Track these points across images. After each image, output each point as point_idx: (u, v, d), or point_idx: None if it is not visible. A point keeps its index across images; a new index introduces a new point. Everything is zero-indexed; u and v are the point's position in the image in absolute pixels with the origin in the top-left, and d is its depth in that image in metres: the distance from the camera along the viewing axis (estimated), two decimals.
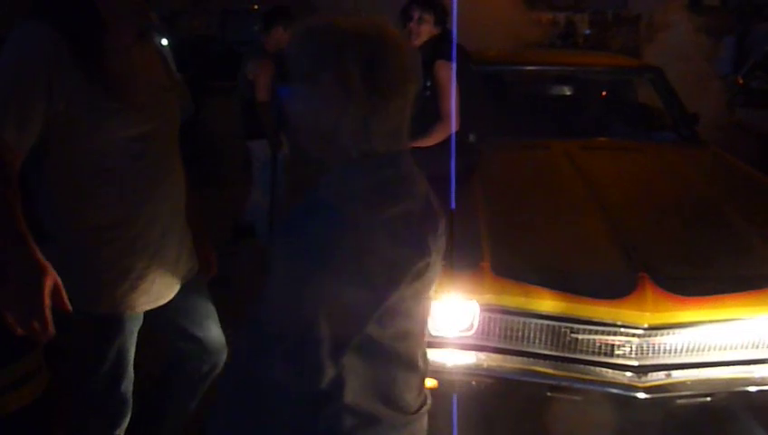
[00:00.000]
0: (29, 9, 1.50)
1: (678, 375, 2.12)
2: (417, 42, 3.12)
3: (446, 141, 3.00)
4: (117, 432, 1.75)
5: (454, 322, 2.23)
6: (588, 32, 15.79)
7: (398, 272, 1.01)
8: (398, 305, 1.04)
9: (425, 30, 3.11)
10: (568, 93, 4.20)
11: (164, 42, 5.32)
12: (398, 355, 1.09)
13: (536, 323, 2.17)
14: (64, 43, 1.46)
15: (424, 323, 1.15)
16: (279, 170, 4.31)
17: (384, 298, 1.01)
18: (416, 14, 3.10)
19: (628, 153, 3.41)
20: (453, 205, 2.07)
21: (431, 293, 1.14)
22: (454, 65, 2.80)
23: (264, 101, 4.12)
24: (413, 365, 1.13)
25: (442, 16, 3.17)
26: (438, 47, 3.08)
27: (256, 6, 12.26)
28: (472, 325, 2.21)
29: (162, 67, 1.75)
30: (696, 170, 3.23)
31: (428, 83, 3.16)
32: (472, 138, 3.07)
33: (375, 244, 0.98)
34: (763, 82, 7.26)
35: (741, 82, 7.61)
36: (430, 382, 2.20)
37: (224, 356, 1.94)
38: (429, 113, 3.19)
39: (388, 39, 1.03)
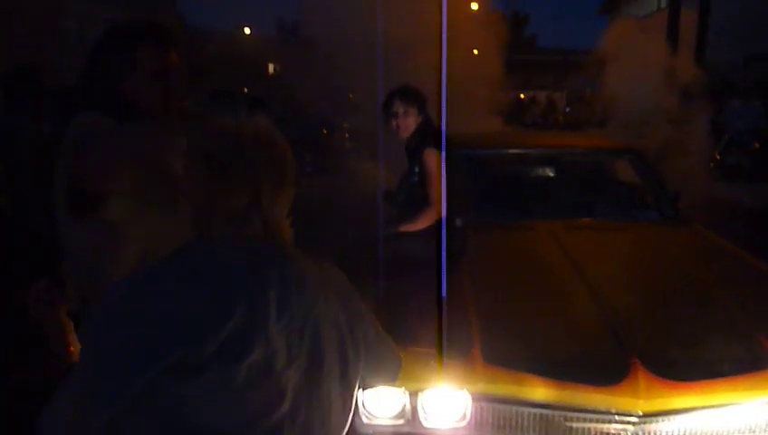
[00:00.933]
0: (77, 105, 1.74)
1: None
2: (406, 134, 3.22)
3: (434, 226, 3.04)
4: None
5: (446, 413, 2.18)
6: (567, 109, 16.29)
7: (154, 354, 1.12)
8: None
9: (411, 122, 3.21)
10: (551, 175, 4.29)
11: None
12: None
13: (529, 412, 2.13)
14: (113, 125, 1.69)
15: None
16: None
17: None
18: (400, 110, 3.20)
19: (613, 234, 3.45)
20: (444, 292, 2.08)
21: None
22: (444, 154, 2.86)
23: None
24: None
25: (423, 104, 3.27)
26: (425, 136, 3.17)
27: (246, 89, 12.60)
28: (465, 416, 2.17)
29: None
30: (681, 250, 3.27)
31: (416, 169, 3.23)
32: (458, 222, 3.11)
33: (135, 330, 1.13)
34: (738, 158, 7.48)
35: (718, 157, 7.83)
36: None
37: None
38: (416, 199, 3.25)
39: (230, 131, 1.26)
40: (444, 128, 3.09)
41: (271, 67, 18.27)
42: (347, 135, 11.63)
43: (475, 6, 11.64)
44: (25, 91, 3.55)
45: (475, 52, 11.01)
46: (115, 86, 1.70)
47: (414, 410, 2.19)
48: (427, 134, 3.22)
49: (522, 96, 17.55)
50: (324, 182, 8.50)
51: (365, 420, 2.19)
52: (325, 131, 12.14)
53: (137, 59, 1.70)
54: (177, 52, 1.73)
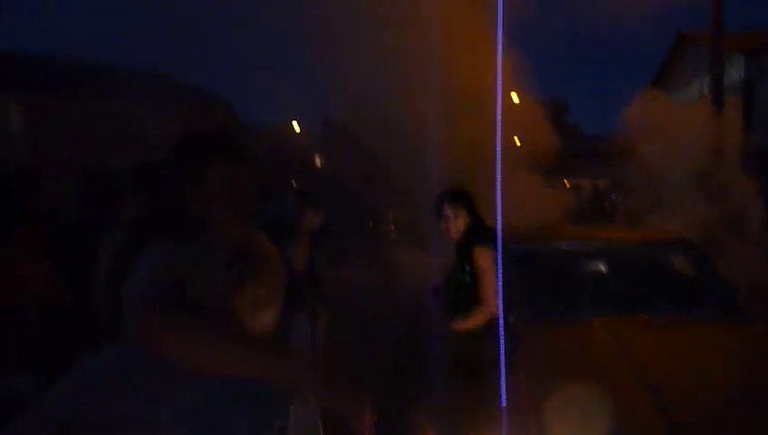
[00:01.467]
0: (145, 234, 1.72)
1: None
2: (456, 236, 3.25)
3: (488, 324, 3.02)
4: None
5: None
6: (614, 197, 16.16)
7: None
8: None
9: (461, 223, 3.25)
10: (604, 269, 4.22)
11: None
12: None
13: None
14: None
15: None
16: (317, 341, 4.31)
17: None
18: (449, 213, 3.25)
19: (672, 332, 3.34)
20: (504, 401, 2.03)
21: None
22: (499, 255, 2.86)
23: (302, 269, 4.22)
24: None
25: (472, 205, 3.32)
26: (475, 234, 3.20)
27: (294, 183, 12.99)
28: None
29: None
30: (746, 349, 3.14)
31: (467, 267, 3.24)
32: (512, 320, 3.07)
33: None
34: None
35: None
36: None
37: None
38: (466, 296, 3.23)
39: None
40: (499, 226, 3.12)
41: (318, 160, 18.88)
42: (393, 226, 11.75)
43: (516, 99, 11.90)
44: (102, 194, 3.73)
45: (517, 142, 11.17)
46: (182, 202, 1.72)
47: None
48: (477, 231, 3.24)
49: (566, 184, 17.54)
50: (370, 274, 8.54)
51: None
52: (371, 222, 12.28)
53: (203, 176, 1.71)
54: (244, 165, 1.76)
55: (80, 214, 3.92)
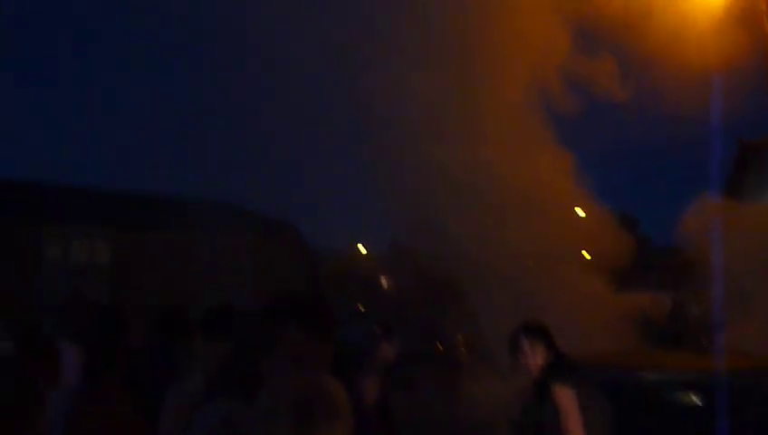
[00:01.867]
0: (211, 388, 1.73)
1: None
2: (535, 372, 3.13)
3: None
4: None
5: None
6: (696, 311, 15.31)
7: None
8: None
9: (539, 359, 3.13)
10: (698, 402, 3.91)
11: None
12: None
13: None
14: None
15: None
16: None
17: None
18: (526, 348, 3.14)
19: None
20: None
21: None
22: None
23: (372, 401, 4.09)
24: None
25: (551, 339, 3.20)
26: (554, 371, 3.07)
27: (362, 308, 13.00)
28: None
29: None
30: None
31: (547, 405, 3.08)
32: None
33: None
34: None
35: None
36: None
37: None
38: None
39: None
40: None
41: (384, 282, 18.99)
42: (463, 349, 11.42)
43: (581, 213, 11.76)
44: (176, 334, 3.80)
45: (587, 256, 10.91)
46: (253, 362, 1.68)
47: None
48: (556, 370, 3.10)
49: (647, 300, 16.76)
50: (441, 402, 8.20)
51: None
52: (440, 345, 11.99)
53: (277, 340, 1.67)
54: (330, 334, 1.69)
55: (156, 352, 3.98)
